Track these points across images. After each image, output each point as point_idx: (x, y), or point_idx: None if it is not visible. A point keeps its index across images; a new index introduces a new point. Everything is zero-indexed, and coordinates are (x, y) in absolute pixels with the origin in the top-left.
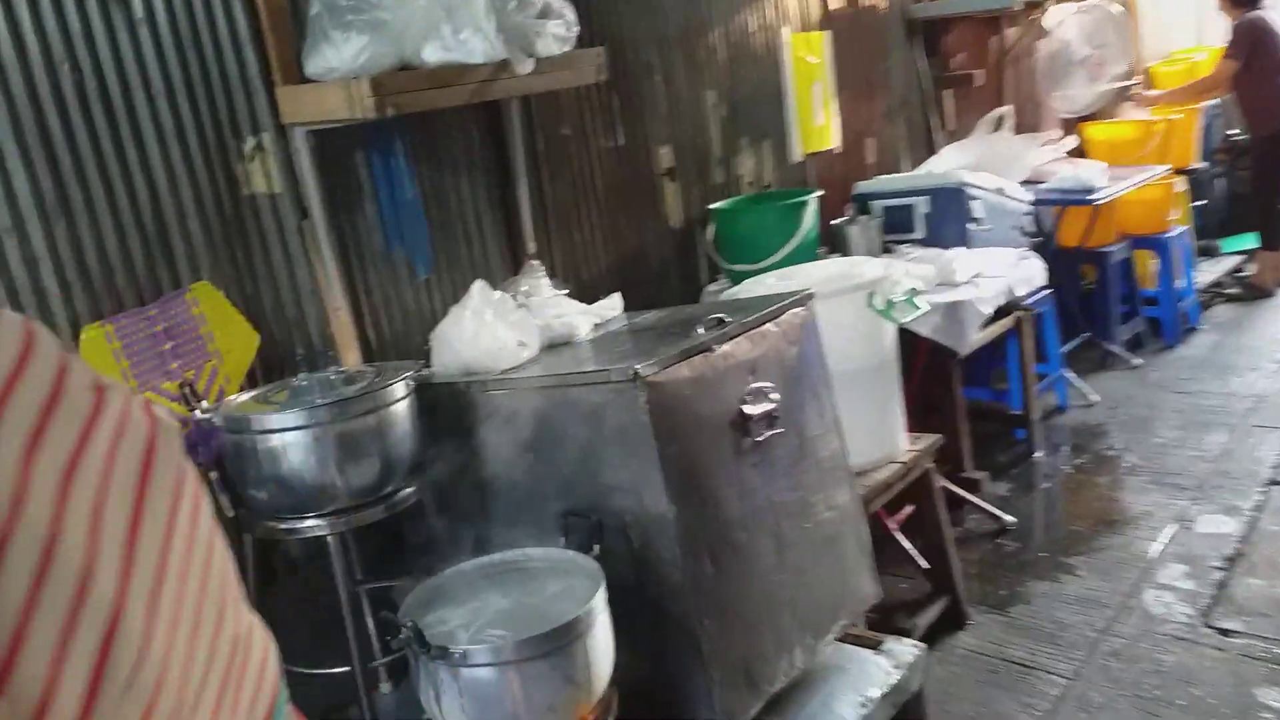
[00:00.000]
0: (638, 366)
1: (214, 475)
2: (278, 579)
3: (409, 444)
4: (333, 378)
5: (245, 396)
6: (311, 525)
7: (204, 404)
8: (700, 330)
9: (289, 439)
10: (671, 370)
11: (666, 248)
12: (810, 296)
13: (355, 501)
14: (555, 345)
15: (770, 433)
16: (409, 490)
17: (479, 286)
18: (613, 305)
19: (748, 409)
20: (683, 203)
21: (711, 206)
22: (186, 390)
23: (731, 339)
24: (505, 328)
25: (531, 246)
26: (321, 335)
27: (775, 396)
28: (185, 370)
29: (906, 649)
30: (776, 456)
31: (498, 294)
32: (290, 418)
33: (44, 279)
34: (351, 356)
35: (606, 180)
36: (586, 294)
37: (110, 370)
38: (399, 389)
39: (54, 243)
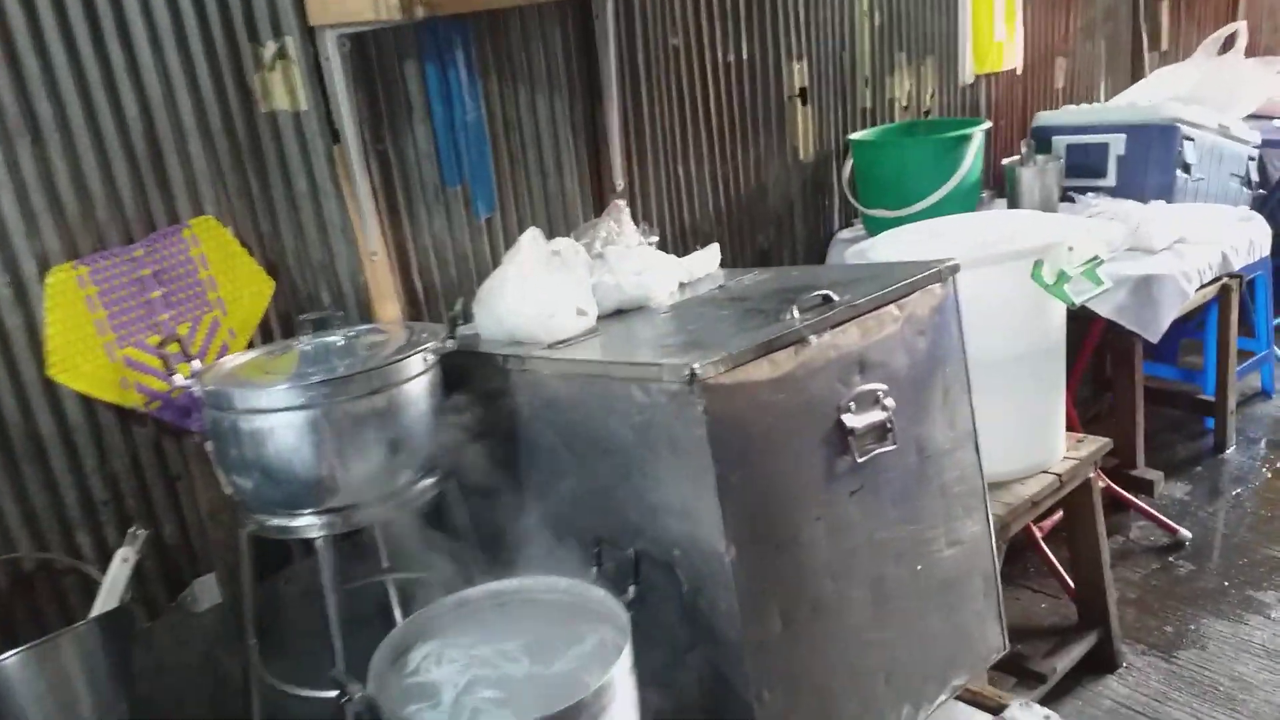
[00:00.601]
0: (695, 366)
1: (210, 448)
2: (290, 566)
3: (427, 429)
4: (342, 342)
5: (239, 360)
6: (303, 524)
7: (195, 364)
8: (794, 315)
9: (275, 421)
10: (745, 370)
11: (792, 185)
12: (953, 270)
13: (356, 499)
14: (626, 311)
15: (878, 450)
16: (427, 483)
17: (530, 237)
18: (709, 260)
19: (849, 420)
20: (816, 131)
21: (852, 137)
22: (172, 348)
23: (835, 326)
24: (558, 290)
25: (620, 182)
26: (354, 285)
27: (889, 403)
28: (178, 323)
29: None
30: (885, 481)
31: (562, 244)
32: (276, 395)
33: (3, 208)
34: (390, 310)
35: (722, 102)
36: (687, 242)
37: (82, 322)
38: (413, 364)
39: (16, 166)
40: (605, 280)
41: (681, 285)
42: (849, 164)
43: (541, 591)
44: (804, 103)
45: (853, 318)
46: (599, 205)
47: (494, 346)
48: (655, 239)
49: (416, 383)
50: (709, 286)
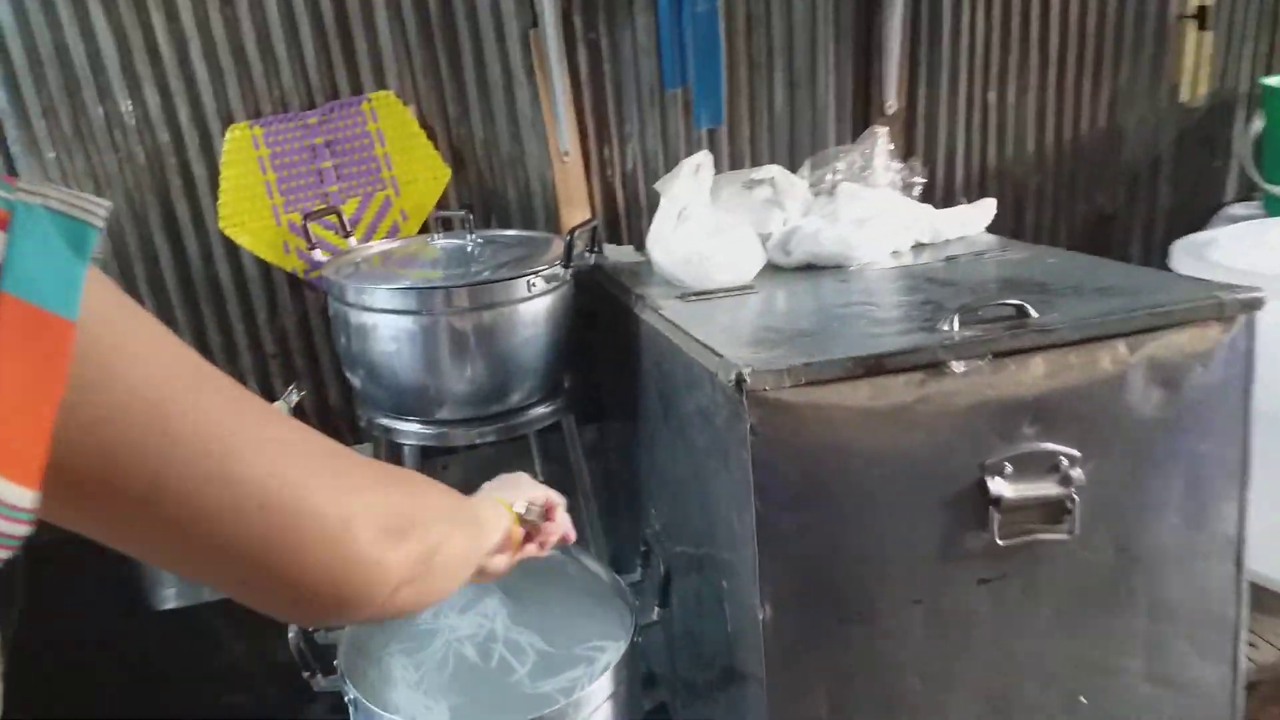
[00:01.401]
0: (746, 370)
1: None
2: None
3: (539, 354)
4: (475, 247)
5: (374, 249)
6: (404, 429)
7: (352, 241)
8: (952, 326)
9: (376, 321)
10: (829, 389)
11: (1163, 135)
12: (1250, 304)
13: (458, 414)
14: (817, 268)
15: (1042, 536)
16: (539, 411)
17: (690, 166)
18: (971, 219)
19: (997, 486)
20: (1214, 68)
21: (1268, 81)
22: (320, 218)
23: (1005, 355)
24: (713, 231)
25: (891, 103)
26: (542, 184)
27: (1077, 475)
28: (347, 197)
29: None
30: (1046, 578)
31: (772, 172)
32: (376, 295)
33: (192, 62)
34: (578, 218)
35: (1070, 13)
36: (985, 188)
37: (253, 182)
38: (518, 286)
39: (206, 25)
40: (805, 227)
41: (919, 246)
42: (1259, 119)
43: (569, 569)
44: (1201, 25)
45: (1041, 348)
46: (860, 128)
47: (631, 282)
48: (921, 180)
49: (529, 305)
50: (952, 253)
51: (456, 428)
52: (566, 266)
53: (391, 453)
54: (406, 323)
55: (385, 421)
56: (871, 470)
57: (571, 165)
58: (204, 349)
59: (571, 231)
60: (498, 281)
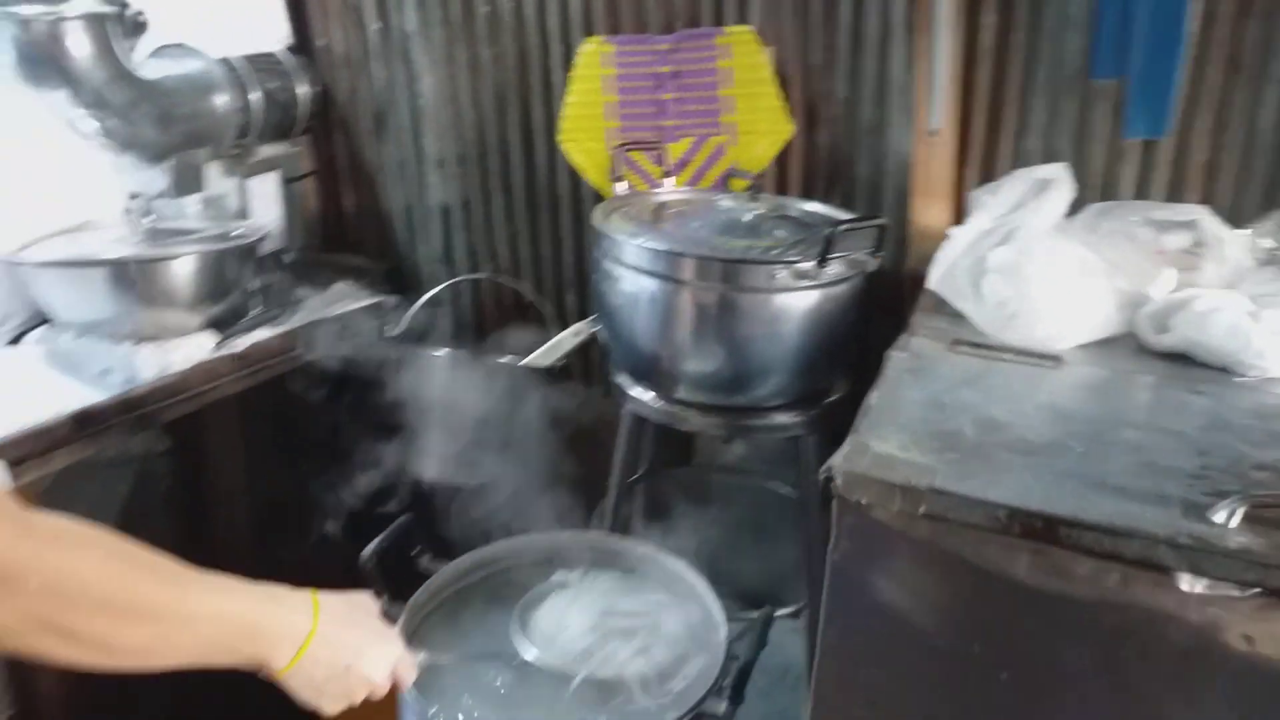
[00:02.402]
0: (837, 469)
1: None
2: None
3: (790, 355)
4: (754, 217)
5: (657, 198)
6: (638, 395)
7: (668, 181)
8: (1227, 518)
9: (617, 272)
10: (963, 537)
11: None
12: None
13: (694, 396)
14: (1190, 360)
15: None
16: (782, 419)
17: (1030, 178)
18: None
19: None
20: None
21: None
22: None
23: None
24: (1037, 274)
25: None
26: (897, 164)
27: None
28: (681, 135)
29: None
30: None
31: (1139, 214)
32: (628, 250)
33: None
34: (930, 213)
35: None
36: None
37: (594, 100)
38: (762, 274)
39: None
40: (1201, 302)
41: None
42: None
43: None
44: None
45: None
46: None
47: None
48: None
49: (776, 297)
50: None
51: (689, 410)
52: (821, 264)
53: (633, 424)
54: (648, 283)
55: (622, 382)
56: (989, 677)
57: (939, 148)
58: (534, 258)
59: (836, 225)
60: (739, 262)
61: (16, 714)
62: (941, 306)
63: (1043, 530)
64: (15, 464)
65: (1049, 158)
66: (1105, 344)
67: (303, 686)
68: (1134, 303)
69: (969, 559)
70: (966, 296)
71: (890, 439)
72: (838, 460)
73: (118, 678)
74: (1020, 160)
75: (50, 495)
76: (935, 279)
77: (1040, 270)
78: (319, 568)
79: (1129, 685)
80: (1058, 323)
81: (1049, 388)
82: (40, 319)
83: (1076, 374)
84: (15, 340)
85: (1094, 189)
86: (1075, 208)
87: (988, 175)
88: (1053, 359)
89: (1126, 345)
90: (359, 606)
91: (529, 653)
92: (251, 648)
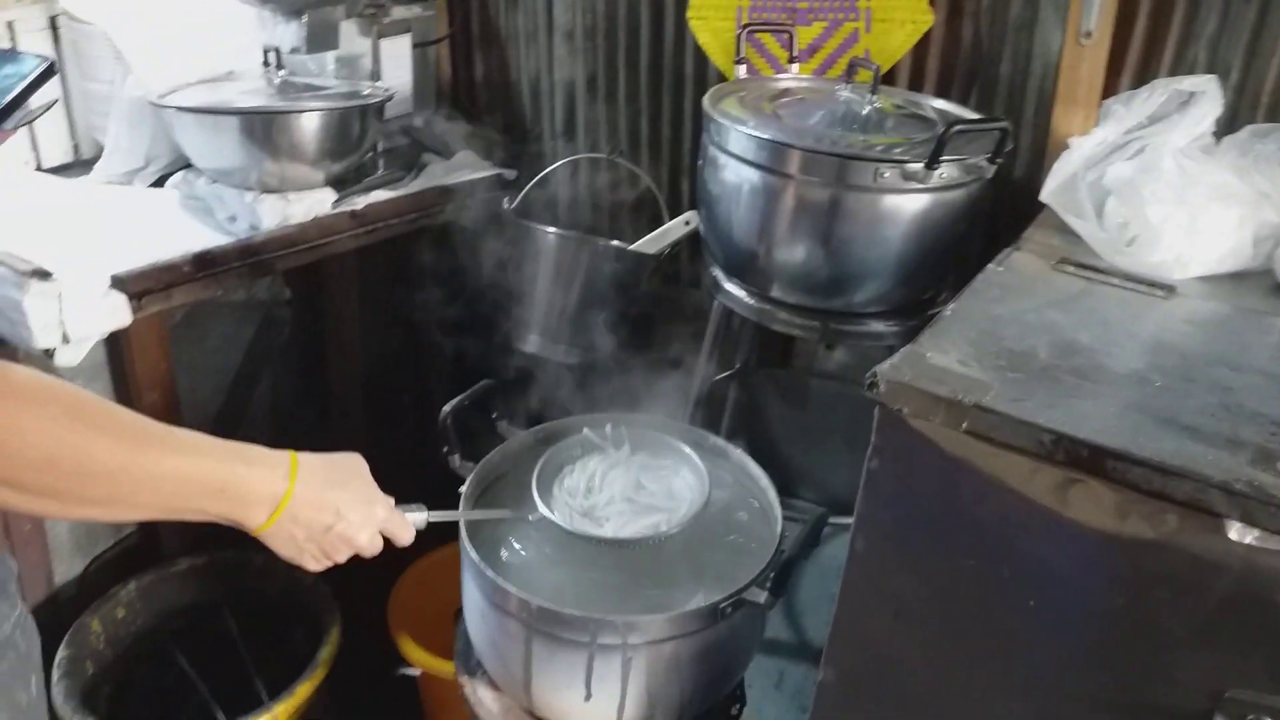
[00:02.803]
0: (883, 373)
1: None
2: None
3: (891, 260)
4: (874, 111)
5: (783, 82)
6: (730, 292)
7: (793, 68)
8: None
9: (719, 159)
10: (1001, 457)
11: None
12: None
13: (789, 297)
14: None
15: None
16: (879, 328)
17: (1171, 87)
18: None
19: None
20: None
21: None
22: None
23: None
24: (1167, 194)
25: None
26: (1043, 66)
27: None
28: (814, 18)
29: None
30: None
31: None
32: (734, 138)
33: None
34: (1072, 120)
35: None
36: None
37: None
38: (867, 172)
39: None
40: None
41: None
42: None
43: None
44: None
45: None
46: None
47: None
48: None
49: (879, 197)
50: None
51: (781, 310)
52: (930, 167)
53: (722, 319)
54: (749, 173)
55: (716, 275)
56: (1017, 604)
57: (1091, 52)
58: (653, 141)
59: (951, 125)
60: (844, 157)
61: (138, 531)
62: (1063, 224)
63: (1088, 461)
64: (137, 297)
65: (1213, 70)
66: (1234, 279)
67: (282, 545)
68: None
69: (1007, 483)
70: (1083, 214)
71: (951, 351)
72: (884, 367)
73: None
74: (1181, 72)
75: (181, 331)
76: (1049, 191)
77: (1166, 190)
78: (423, 424)
79: (1160, 629)
80: (1178, 249)
81: (1151, 318)
82: (182, 163)
83: (1189, 307)
84: (159, 182)
85: (1259, 108)
86: (1231, 127)
87: (1138, 79)
88: (1166, 289)
89: (1260, 283)
90: (343, 468)
91: (553, 514)
92: (220, 507)
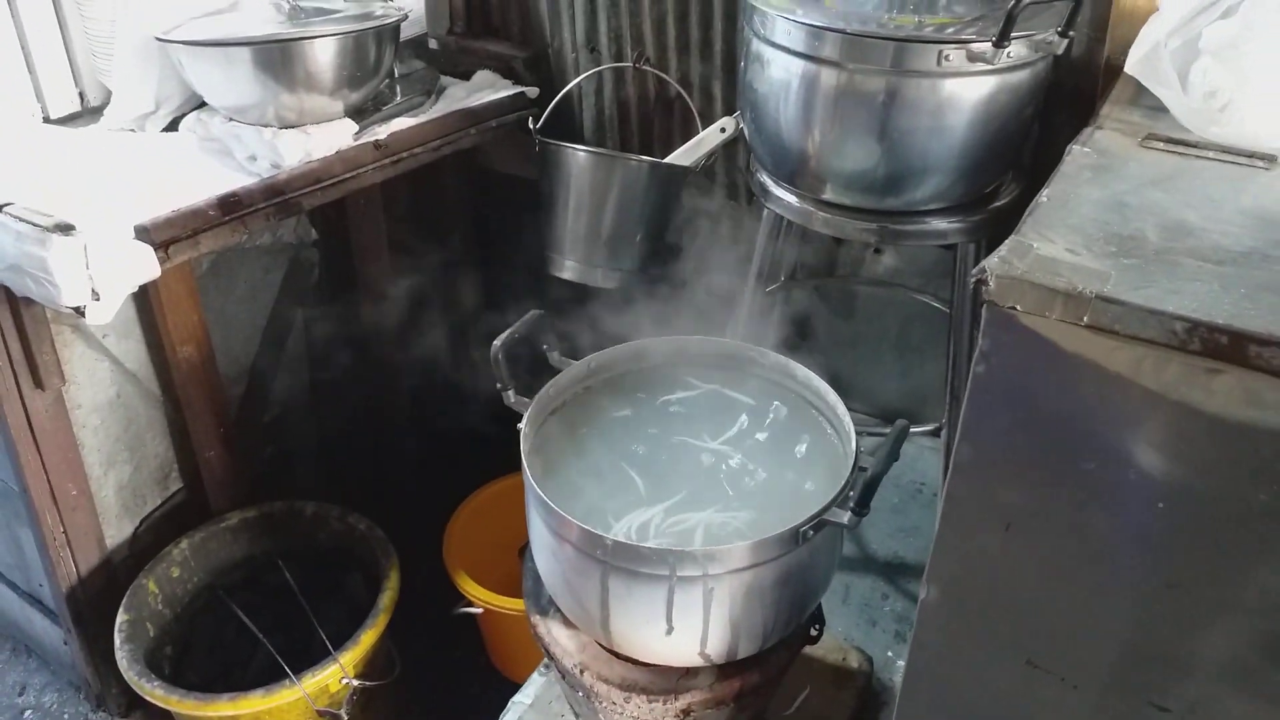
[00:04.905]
0: (992, 270)
1: None
2: None
3: (956, 150)
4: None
5: None
6: (782, 199)
7: None
8: None
9: (763, 53)
10: (1129, 351)
11: None
12: None
13: (843, 198)
14: None
15: None
16: (940, 225)
17: None
18: None
19: None
20: None
21: None
22: None
23: None
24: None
25: None
26: None
27: None
28: None
29: None
30: None
31: None
32: (775, 24)
33: None
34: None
35: None
36: None
37: None
38: (931, 55)
39: None
40: None
41: None
42: None
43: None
44: None
45: None
46: None
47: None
48: None
49: (941, 82)
50: None
51: (833, 212)
52: (999, 45)
53: (773, 227)
54: (798, 66)
55: (764, 181)
56: (1144, 507)
57: None
58: (682, 45)
59: (1018, 1)
60: (903, 40)
61: (185, 488)
62: (1138, 98)
63: (1228, 348)
64: (164, 246)
65: None
66: None
67: None
68: None
69: (1133, 379)
70: (1170, 83)
71: (1057, 241)
72: (993, 261)
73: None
74: None
75: (208, 281)
76: (1134, 61)
77: (1265, 50)
78: (460, 360)
79: None
80: (1278, 114)
81: (1256, 191)
82: (195, 103)
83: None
84: (172, 125)
85: None
86: None
87: None
88: (1267, 158)
89: None
90: None
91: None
92: None
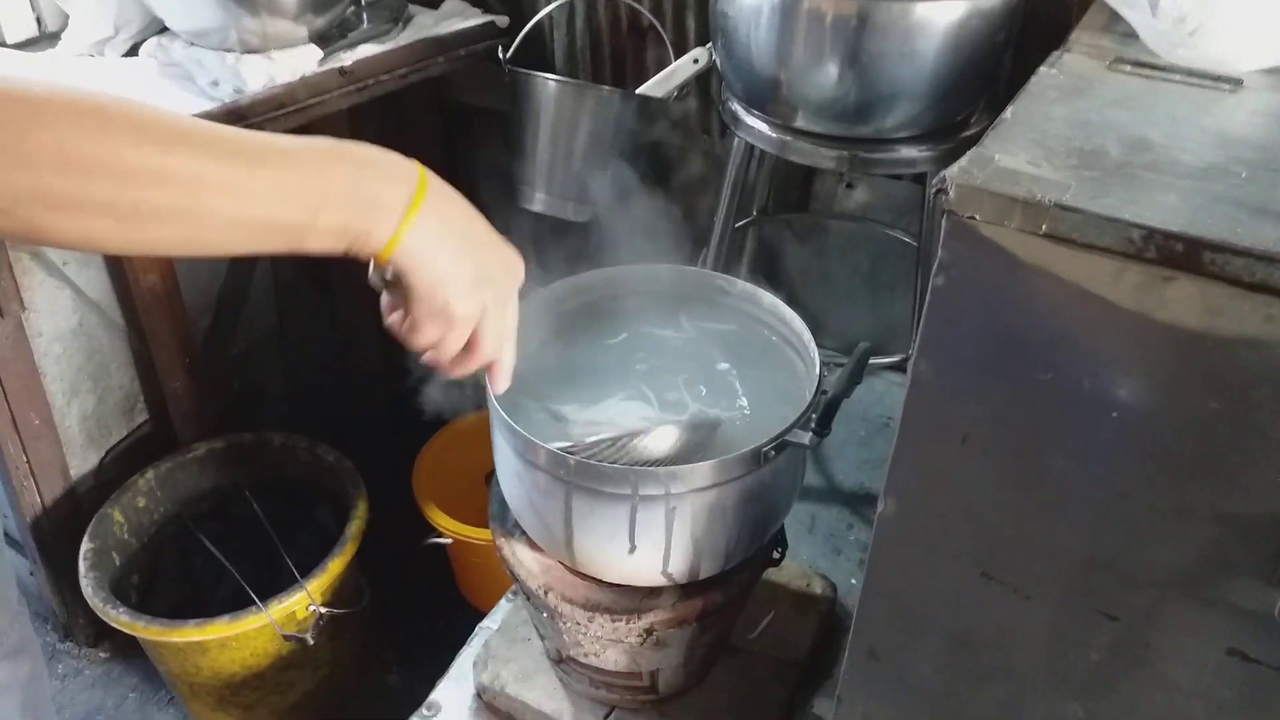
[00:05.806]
0: (951, 177)
1: None
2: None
3: (926, 77)
4: None
5: None
6: (752, 127)
7: None
8: None
9: None
10: (1084, 260)
11: None
12: None
13: (813, 125)
14: None
15: None
16: (910, 154)
17: None
18: None
19: None
20: None
21: None
22: None
23: None
24: None
25: None
26: None
27: None
28: None
29: None
30: None
31: None
32: None
33: None
34: None
35: None
36: None
37: None
38: None
39: None
40: None
41: None
42: None
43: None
44: None
45: None
46: None
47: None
48: None
49: (927, 7)
50: None
51: (805, 140)
52: None
53: (744, 158)
54: None
55: (735, 110)
56: (1099, 416)
57: None
58: None
59: None
60: None
61: (151, 420)
62: (1110, 24)
63: (1184, 255)
64: None
65: None
66: None
67: (429, 256)
68: None
69: (1090, 288)
70: (1139, 6)
71: (1019, 154)
72: (953, 171)
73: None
74: None
75: None
76: None
77: None
78: None
79: (1259, 432)
80: (1244, 38)
81: (1220, 112)
82: (156, 28)
83: (1259, 99)
84: (132, 51)
85: None
86: None
87: None
88: (1232, 82)
89: None
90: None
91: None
92: (335, 218)
